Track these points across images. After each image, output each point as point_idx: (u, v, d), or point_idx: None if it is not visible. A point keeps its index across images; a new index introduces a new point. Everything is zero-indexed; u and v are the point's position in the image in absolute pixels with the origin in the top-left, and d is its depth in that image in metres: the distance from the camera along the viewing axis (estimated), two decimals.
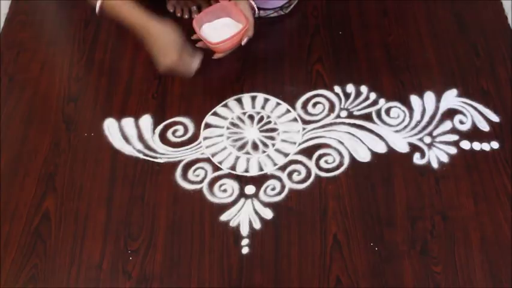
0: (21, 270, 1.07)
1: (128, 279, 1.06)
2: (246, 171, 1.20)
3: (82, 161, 1.21)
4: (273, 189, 1.17)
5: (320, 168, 1.19)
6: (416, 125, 1.26)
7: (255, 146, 1.24)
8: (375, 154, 1.21)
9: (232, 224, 1.12)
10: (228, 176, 1.19)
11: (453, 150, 1.21)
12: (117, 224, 1.13)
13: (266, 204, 1.15)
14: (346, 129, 1.25)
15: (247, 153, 1.23)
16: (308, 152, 1.22)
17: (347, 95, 1.31)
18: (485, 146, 1.22)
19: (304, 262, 1.07)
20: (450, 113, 1.27)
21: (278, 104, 1.30)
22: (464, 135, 1.24)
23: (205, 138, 1.25)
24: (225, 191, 1.17)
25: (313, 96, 1.31)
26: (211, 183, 1.18)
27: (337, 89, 1.32)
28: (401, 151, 1.22)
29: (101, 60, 1.37)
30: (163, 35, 1.13)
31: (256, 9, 1.30)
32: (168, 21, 1.16)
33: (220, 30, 1.28)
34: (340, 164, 1.20)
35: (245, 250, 1.09)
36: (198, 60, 1.18)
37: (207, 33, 1.28)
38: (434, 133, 1.24)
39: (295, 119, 1.27)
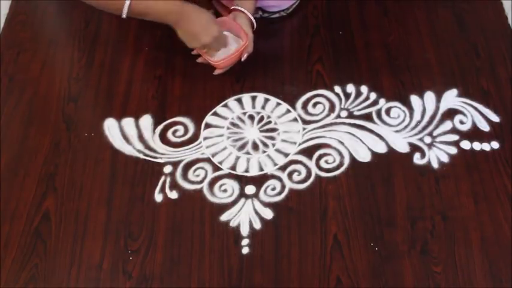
0: (21, 270, 1.07)
1: (128, 279, 1.06)
2: (246, 171, 1.20)
3: (82, 161, 1.21)
4: (273, 189, 1.17)
5: (320, 168, 1.19)
6: (416, 125, 1.26)
7: (255, 146, 1.24)
8: (375, 154, 1.21)
9: (233, 224, 1.12)
10: (228, 176, 1.19)
11: (453, 150, 1.21)
12: (117, 224, 1.13)
13: (266, 204, 1.15)
14: (347, 129, 1.25)
15: (248, 153, 1.23)
16: (308, 152, 1.22)
17: (347, 95, 1.31)
18: (486, 146, 1.22)
19: (304, 262, 1.07)
20: (450, 113, 1.27)
21: (278, 104, 1.30)
22: (464, 135, 1.24)
23: (205, 138, 1.25)
24: (225, 191, 1.17)
25: (314, 96, 1.31)
26: (212, 183, 1.18)
27: (337, 89, 1.32)
28: (401, 151, 1.22)
29: (101, 60, 1.37)
30: (201, 14, 1.18)
31: (255, 24, 1.31)
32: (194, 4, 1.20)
33: None
34: (340, 164, 1.20)
35: (245, 250, 1.09)
36: (229, 35, 1.24)
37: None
38: (435, 133, 1.24)
39: (295, 119, 1.27)
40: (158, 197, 1.16)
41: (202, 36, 1.20)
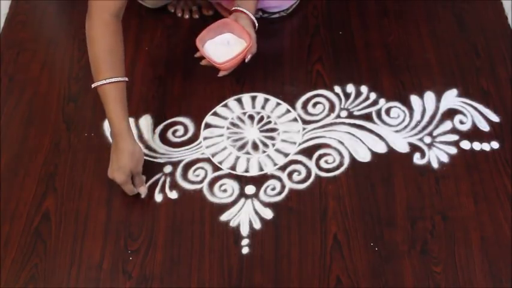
0: (21, 270, 1.07)
1: (128, 279, 1.06)
2: (246, 171, 1.20)
3: (82, 161, 1.21)
4: (273, 189, 1.17)
5: (320, 168, 1.19)
6: (416, 125, 1.26)
7: (255, 146, 1.24)
8: (375, 154, 1.21)
9: (232, 224, 1.12)
10: (228, 176, 1.19)
11: (453, 150, 1.21)
12: (117, 224, 1.13)
13: (266, 204, 1.15)
14: (346, 129, 1.25)
15: (248, 153, 1.23)
16: (308, 152, 1.22)
17: (347, 95, 1.31)
18: (485, 146, 1.22)
19: (304, 262, 1.07)
20: (450, 113, 1.27)
21: (278, 104, 1.30)
22: (464, 135, 1.24)
23: (205, 138, 1.25)
24: (225, 191, 1.17)
25: (313, 96, 1.31)
26: (212, 183, 1.18)
27: (337, 89, 1.32)
28: (401, 151, 1.22)
29: None
30: (125, 155, 1.11)
31: (257, 25, 1.30)
32: (137, 144, 1.14)
33: (223, 46, 1.28)
34: (340, 164, 1.20)
35: (245, 250, 1.09)
36: (144, 190, 1.15)
37: (211, 51, 1.28)
38: (435, 133, 1.24)
39: (295, 119, 1.27)
40: (158, 197, 1.16)
41: (112, 170, 1.12)
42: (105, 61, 1.11)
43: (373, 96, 1.30)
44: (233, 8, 1.30)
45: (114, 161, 1.12)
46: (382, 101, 1.29)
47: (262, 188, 1.17)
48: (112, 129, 1.13)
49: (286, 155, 1.22)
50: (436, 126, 1.25)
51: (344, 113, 1.28)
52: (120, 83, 1.12)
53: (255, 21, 1.30)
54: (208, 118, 1.28)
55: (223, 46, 1.28)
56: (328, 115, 1.27)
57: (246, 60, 1.27)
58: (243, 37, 1.27)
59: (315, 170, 1.19)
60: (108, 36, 1.12)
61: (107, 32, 1.12)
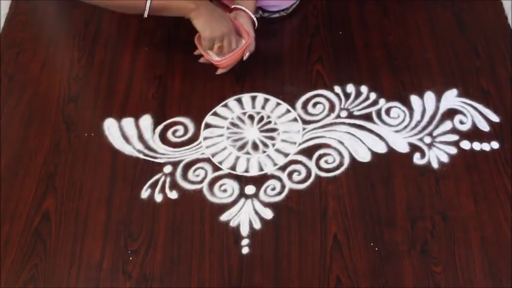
0: (21, 270, 1.07)
1: (128, 279, 1.06)
2: (246, 171, 1.20)
3: (82, 161, 1.21)
4: (273, 189, 1.17)
5: (320, 168, 1.19)
6: (416, 125, 1.26)
7: (255, 146, 1.24)
8: (375, 154, 1.21)
9: (232, 224, 1.12)
10: (228, 176, 1.19)
11: (453, 150, 1.21)
12: (117, 224, 1.13)
13: (266, 204, 1.15)
14: (346, 129, 1.25)
15: (248, 153, 1.23)
16: (308, 152, 1.22)
17: (347, 95, 1.31)
18: (485, 146, 1.22)
19: (304, 262, 1.07)
20: (450, 113, 1.27)
21: (278, 104, 1.30)
22: (464, 135, 1.24)
23: (205, 138, 1.25)
24: (225, 191, 1.17)
25: (313, 96, 1.31)
26: (212, 183, 1.18)
27: (337, 89, 1.32)
28: (401, 151, 1.22)
29: (101, 60, 1.37)
30: (215, 9, 1.23)
31: (256, 23, 1.31)
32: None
33: None
34: (340, 164, 1.20)
35: (245, 250, 1.09)
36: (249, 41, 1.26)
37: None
38: (435, 133, 1.24)
39: (295, 119, 1.27)
40: (158, 197, 1.16)
41: (220, 26, 1.22)
42: None
43: (373, 96, 1.30)
44: (233, 6, 1.31)
45: (214, 20, 1.21)
46: (382, 101, 1.29)
47: (262, 188, 1.17)
48: (188, 11, 1.20)
49: (286, 155, 1.22)
50: (436, 126, 1.25)
51: (344, 113, 1.28)
52: None
53: (255, 19, 1.30)
54: (208, 118, 1.28)
55: None
56: (328, 115, 1.28)
57: (244, 58, 1.28)
58: (241, 35, 1.27)
59: (315, 170, 1.19)
60: None
61: None
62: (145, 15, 1.20)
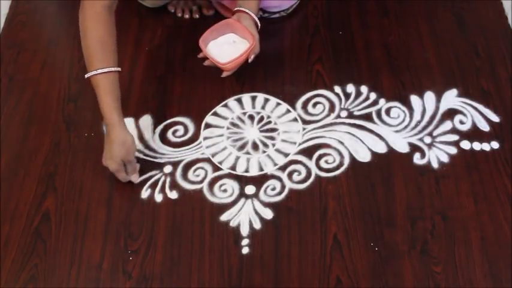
0: (21, 270, 1.07)
1: (128, 279, 1.06)
2: (246, 171, 1.20)
3: (82, 161, 1.21)
4: (273, 189, 1.17)
5: (320, 168, 1.19)
6: (416, 125, 1.26)
7: (255, 146, 1.24)
8: (375, 154, 1.21)
9: (232, 224, 1.12)
10: (228, 176, 1.19)
11: (453, 150, 1.21)
12: (117, 224, 1.13)
13: (266, 204, 1.15)
14: (346, 129, 1.25)
15: (248, 153, 1.23)
16: (308, 152, 1.22)
17: (347, 95, 1.31)
18: (485, 146, 1.22)
19: (304, 262, 1.07)
20: (450, 113, 1.27)
21: (278, 104, 1.30)
22: (464, 135, 1.24)
23: (205, 138, 1.25)
24: (225, 191, 1.17)
25: (313, 96, 1.31)
26: (212, 183, 1.18)
27: (337, 89, 1.32)
28: (401, 151, 1.22)
29: None
30: (116, 145, 1.12)
31: (259, 25, 1.30)
32: (129, 134, 1.14)
33: (226, 46, 1.28)
34: (340, 164, 1.20)
35: (245, 250, 1.09)
36: (135, 178, 1.17)
37: (214, 51, 1.27)
38: (435, 133, 1.24)
39: (295, 119, 1.27)
40: (158, 197, 1.16)
41: (105, 159, 1.14)
42: (97, 52, 1.12)
43: (373, 96, 1.30)
44: (235, 8, 1.30)
45: (107, 150, 1.14)
46: (382, 101, 1.29)
47: (262, 188, 1.17)
48: (104, 119, 1.14)
49: (286, 155, 1.22)
50: (436, 126, 1.25)
51: (344, 113, 1.28)
52: (111, 73, 1.13)
53: (258, 21, 1.29)
54: (208, 118, 1.28)
55: (227, 46, 1.28)
56: (328, 115, 1.27)
57: (249, 61, 1.27)
58: (246, 37, 1.27)
59: (315, 170, 1.19)
60: (99, 27, 1.13)
61: (98, 24, 1.13)
62: (85, 76, 1.14)
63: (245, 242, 1.10)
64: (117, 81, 1.14)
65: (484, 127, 1.25)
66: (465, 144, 1.22)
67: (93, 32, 1.12)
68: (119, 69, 1.14)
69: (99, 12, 1.12)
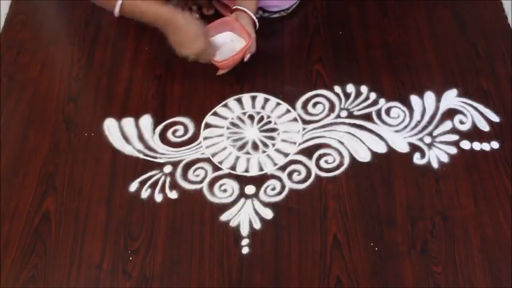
0: (21, 270, 1.07)
1: (128, 279, 1.06)
2: (246, 171, 1.20)
3: (82, 161, 1.21)
4: (273, 189, 1.17)
5: (320, 168, 1.19)
6: (416, 125, 1.26)
7: (255, 146, 1.24)
8: (375, 154, 1.21)
9: (232, 224, 1.12)
10: (228, 176, 1.19)
11: (453, 150, 1.21)
12: (117, 224, 1.13)
13: (266, 204, 1.15)
14: (346, 129, 1.25)
15: (248, 153, 1.23)
16: (308, 152, 1.22)
17: (347, 95, 1.31)
18: (485, 146, 1.22)
19: (304, 262, 1.07)
20: (450, 113, 1.27)
21: (278, 104, 1.30)
22: (464, 135, 1.24)
23: (205, 138, 1.25)
24: (225, 191, 1.17)
25: (313, 96, 1.31)
26: (212, 183, 1.18)
27: (337, 89, 1.32)
28: (401, 151, 1.22)
29: (101, 60, 1.37)
30: (189, 25, 1.18)
31: (257, 24, 1.30)
32: (188, 12, 1.19)
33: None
34: (340, 164, 1.20)
35: (245, 250, 1.09)
36: (218, 48, 1.24)
37: None
38: (435, 133, 1.24)
39: (295, 119, 1.27)
40: (158, 197, 1.16)
41: (188, 48, 1.20)
42: None
43: (373, 96, 1.30)
44: (234, 7, 1.30)
45: (187, 37, 1.17)
46: (382, 101, 1.29)
47: (262, 188, 1.17)
48: (163, 20, 1.16)
49: (286, 155, 1.22)
50: (436, 126, 1.25)
51: (344, 113, 1.28)
52: None
53: (256, 20, 1.30)
54: (208, 118, 1.28)
55: (223, 45, 1.29)
56: (328, 115, 1.28)
57: (245, 60, 1.28)
58: (243, 36, 1.27)
59: (315, 170, 1.19)
60: None
61: None
62: (116, 14, 1.17)
63: (245, 242, 1.10)
64: None
65: (484, 127, 1.25)
66: (465, 144, 1.22)
67: None
68: None
69: None
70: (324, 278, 1.05)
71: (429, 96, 1.30)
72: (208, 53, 1.24)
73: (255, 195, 1.16)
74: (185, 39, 1.18)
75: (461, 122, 1.26)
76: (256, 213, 1.14)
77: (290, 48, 1.40)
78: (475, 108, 1.28)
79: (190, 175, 1.19)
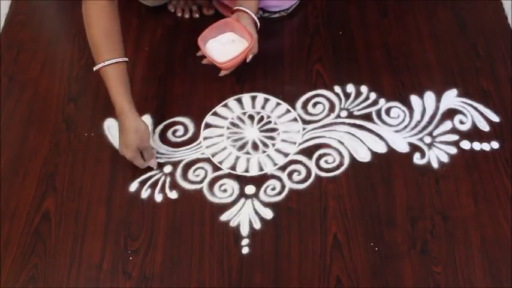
0: (21, 270, 1.07)
1: (128, 279, 1.06)
2: (246, 171, 1.20)
3: (82, 161, 1.21)
4: (273, 189, 1.17)
5: (320, 168, 1.19)
6: (416, 125, 1.26)
7: (255, 146, 1.24)
8: (375, 154, 1.21)
9: (232, 224, 1.12)
10: (228, 176, 1.19)
11: (453, 150, 1.21)
12: (117, 224, 1.13)
13: (266, 204, 1.15)
14: (346, 129, 1.25)
15: (248, 153, 1.23)
16: (308, 152, 1.22)
17: (347, 95, 1.31)
18: (485, 146, 1.22)
19: (304, 262, 1.07)
20: (450, 113, 1.27)
21: (278, 104, 1.30)
22: (464, 135, 1.24)
23: (205, 138, 1.25)
24: (225, 191, 1.17)
25: (313, 96, 1.31)
26: (212, 183, 1.18)
27: (337, 89, 1.32)
28: (401, 151, 1.22)
29: None
30: (130, 132, 1.13)
31: (259, 24, 1.30)
32: (141, 121, 1.14)
33: (225, 45, 1.29)
34: (340, 164, 1.20)
35: (245, 250, 1.09)
36: (153, 164, 1.19)
37: (212, 50, 1.28)
38: (435, 133, 1.24)
39: (295, 119, 1.27)
40: (158, 197, 1.16)
41: (121, 148, 1.15)
42: (103, 43, 1.13)
43: (373, 96, 1.30)
44: (235, 8, 1.30)
45: (122, 139, 1.14)
46: (382, 101, 1.29)
47: (262, 188, 1.17)
48: (115, 109, 1.14)
49: (286, 155, 1.22)
50: (436, 126, 1.25)
51: (344, 113, 1.28)
52: (120, 63, 1.13)
53: (257, 20, 1.30)
54: (208, 118, 1.28)
55: (225, 45, 1.29)
56: (328, 115, 1.27)
57: (248, 60, 1.27)
58: (244, 37, 1.27)
59: (315, 170, 1.19)
60: (103, 18, 1.13)
61: (102, 14, 1.13)
62: (94, 69, 1.14)
63: (245, 242, 1.10)
64: (126, 71, 1.15)
65: (484, 127, 1.25)
66: (465, 144, 1.22)
67: (97, 23, 1.13)
68: (127, 59, 1.15)
69: (102, 3, 1.13)
70: (324, 278, 1.05)
71: (429, 96, 1.30)
72: (136, 163, 1.16)
73: (255, 195, 1.16)
74: (121, 140, 1.15)
75: (461, 122, 1.26)
76: (256, 213, 1.14)
77: (290, 48, 1.40)
78: (475, 108, 1.28)
79: (190, 175, 1.19)
